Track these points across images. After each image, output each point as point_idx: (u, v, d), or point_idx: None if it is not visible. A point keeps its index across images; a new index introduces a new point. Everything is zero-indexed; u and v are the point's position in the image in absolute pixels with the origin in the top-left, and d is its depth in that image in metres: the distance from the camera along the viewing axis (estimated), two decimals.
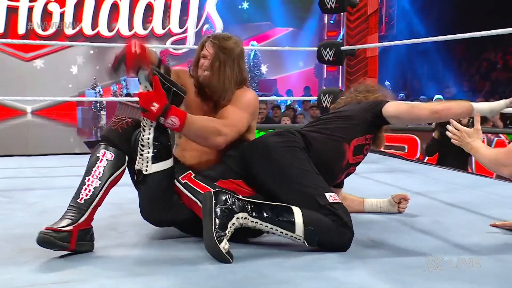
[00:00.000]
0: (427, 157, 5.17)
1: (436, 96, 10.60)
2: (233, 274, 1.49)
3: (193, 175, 1.80)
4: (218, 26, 17.05)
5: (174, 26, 16.36)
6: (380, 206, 2.27)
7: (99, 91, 14.10)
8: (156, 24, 16.03)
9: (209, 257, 1.58)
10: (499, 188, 2.85)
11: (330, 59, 3.95)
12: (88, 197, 1.68)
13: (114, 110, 10.43)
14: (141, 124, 1.73)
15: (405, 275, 1.49)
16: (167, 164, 1.74)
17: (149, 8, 15.89)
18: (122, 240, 1.84)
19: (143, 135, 1.72)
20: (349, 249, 1.70)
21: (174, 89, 1.70)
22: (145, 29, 15.89)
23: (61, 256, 1.62)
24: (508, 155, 1.77)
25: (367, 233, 1.91)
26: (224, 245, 1.58)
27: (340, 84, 3.79)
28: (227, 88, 1.90)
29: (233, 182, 1.83)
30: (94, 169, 1.72)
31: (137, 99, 2.06)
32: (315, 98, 4.11)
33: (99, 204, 1.71)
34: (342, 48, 3.86)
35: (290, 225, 1.65)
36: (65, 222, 1.63)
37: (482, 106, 2.07)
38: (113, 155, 1.74)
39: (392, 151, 5.43)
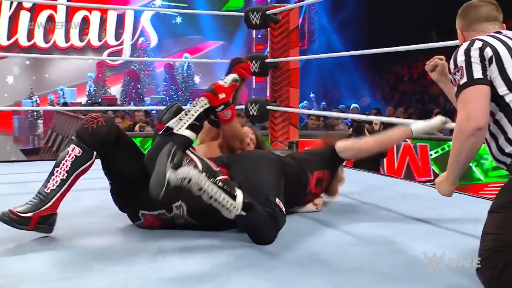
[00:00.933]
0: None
1: (353, 105, 10.99)
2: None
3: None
4: (153, 39, 16.80)
5: (110, 38, 15.93)
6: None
7: (36, 100, 13.46)
8: (93, 37, 15.53)
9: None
10: (403, 187, 2.98)
11: (256, 70, 3.99)
12: (54, 187, 1.78)
13: (51, 119, 9.98)
14: (198, 100, 1.97)
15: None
16: (192, 136, 1.93)
17: (85, 21, 15.37)
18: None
19: (194, 106, 1.95)
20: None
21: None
22: (81, 41, 15.36)
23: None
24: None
25: (292, 230, 1.92)
26: (171, 174, 1.55)
27: (267, 94, 3.85)
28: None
29: (218, 166, 1.93)
30: (62, 162, 1.82)
31: (73, 108, 2.15)
32: (242, 107, 4.12)
33: (64, 194, 1.81)
34: (267, 60, 3.91)
35: (232, 196, 1.66)
36: (28, 208, 1.75)
37: (418, 127, 2.20)
38: (81, 151, 1.83)
39: None
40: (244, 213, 1.67)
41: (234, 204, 1.66)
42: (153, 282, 1.42)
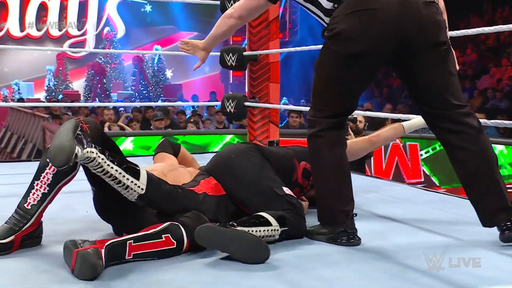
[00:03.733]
0: None
1: None
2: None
3: None
4: (120, 29, 16.66)
5: (71, 28, 15.74)
6: None
7: None
8: (52, 25, 15.32)
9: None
10: (391, 189, 3.04)
11: (233, 64, 4.00)
12: (35, 202, 1.72)
13: (5, 117, 9.83)
14: (96, 161, 1.63)
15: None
16: (144, 175, 1.76)
17: (42, 8, 15.15)
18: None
19: (108, 171, 1.66)
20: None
21: None
22: (39, 30, 15.14)
23: None
24: None
25: None
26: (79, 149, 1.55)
27: (246, 90, 3.86)
28: None
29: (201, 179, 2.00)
30: (43, 174, 1.74)
31: (30, 104, 2.07)
32: (219, 103, 4.13)
33: (45, 208, 1.76)
34: (245, 53, 3.93)
35: (266, 222, 1.78)
36: (6, 230, 1.69)
37: (412, 123, 2.35)
38: None
39: None
40: (282, 229, 1.79)
41: (138, 183, 1.71)
42: None
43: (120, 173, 1.68)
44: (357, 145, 2.40)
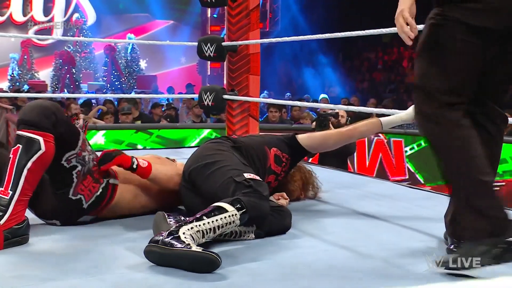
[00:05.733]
0: (310, 158, 5.44)
1: (322, 95, 11.17)
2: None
3: None
4: (90, 16, 16.47)
5: (37, 13, 15.52)
6: None
7: None
8: (15, 10, 15.07)
9: None
10: (374, 186, 3.08)
11: (211, 55, 4.01)
12: (8, 191, 1.75)
13: None
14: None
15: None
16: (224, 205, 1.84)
17: None
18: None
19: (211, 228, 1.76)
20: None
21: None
22: (1, 15, 14.87)
23: None
24: None
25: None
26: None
27: (224, 82, 3.86)
28: None
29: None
30: (11, 158, 1.78)
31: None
32: (196, 96, 4.14)
33: (22, 195, 1.77)
34: (223, 44, 3.94)
35: (221, 209, 1.79)
36: None
37: (391, 120, 2.37)
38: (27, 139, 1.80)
39: None
40: (239, 212, 1.80)
41: (230, 214, 1.78)
42: None
43: (216, 220, 1.75)
44: (330, 138, 2.44)
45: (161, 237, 1.64)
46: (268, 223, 1.92)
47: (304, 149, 2.41)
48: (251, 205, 1.84)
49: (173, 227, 1.70)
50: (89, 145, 2.08)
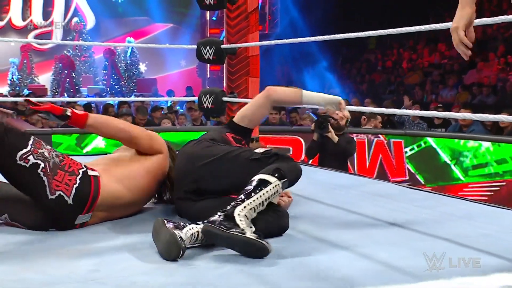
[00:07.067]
0: (310, 160, 5.45)
1: None
2: None
3: None
4: (90, 19, 16.49)
5: (36, 17, 15.53)
6: None
7: None
8: (15, 15, 15.08)
9: None
10: (374, 187, 3.09)
11: (211, 57, 4.02)
12: None
13: None
14: None
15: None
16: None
17: None
18: None
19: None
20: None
21: None
22: (0, 19, 14.88)
23: None
24: None
25: None
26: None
27: (224, 84, 3.88)
28: None
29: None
30: None
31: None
32: (195, 98, 4.15)
33: None
34: (223, 46, 3.95)
35: (265, 182, 1.90)
36: None
37: (312, 95, 2.43)
38: None
39: None
40: (281, 181, 1.91)
41: (275, 184, 1.90)
42: None
43: (264, 193, 1.88)
44: (259, 106, 2.47)
45: (218, 219, 1.78)
46: (264, 224, 1.93)
47: (244, 128, 2.47)
48: (289, 169, 1.97)
49: (228, 208, 1.82)
50: (47, 144, 2.05)
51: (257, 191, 1.87)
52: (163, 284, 1.53)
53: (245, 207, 1.83)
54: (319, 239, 2.01)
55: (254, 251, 1.73)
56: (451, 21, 1.65)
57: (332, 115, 2.42)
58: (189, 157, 2.21)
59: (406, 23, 2.21)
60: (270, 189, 1.89)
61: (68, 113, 2.10)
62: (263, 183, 1.89)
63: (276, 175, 1.92)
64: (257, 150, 2.09)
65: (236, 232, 1.74)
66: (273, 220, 1.99)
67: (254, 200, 1.85)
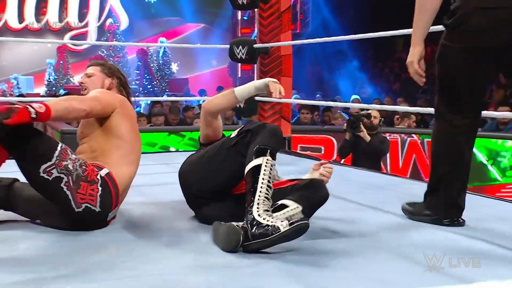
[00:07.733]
0: (342, 159, 5.41)
1: (354, 96, 11.08)
2: None
3: None
4: (123, 20, 16.71)
5: (72, 19, 15.81)
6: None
7: None
8: (52, 17, 15.40)
9: None
10: (408, 187, 3.04)
11: (243, 57, 4.03)
12: None
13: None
14: None
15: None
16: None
17: None
18: None
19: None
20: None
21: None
22: (38, 21, 15.21)
23: None
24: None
25: None
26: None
27: None
28: None
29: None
30: None
31: (31, 99, 2.13)
32: None
33: None
34: (255, 46, 3.95)
35: (256, 168, 1.89)
36: None
37: (244, 88, 2.35)
38: None
39: (308, 152, 5.62)
40: (267, 153, 1.91)
41: (263, 160, 1.91)
42: None
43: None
44: (205, 125, 2.51)
45: (247, 231, 1.77)
46: (307, 200, 2.01)
47: (215, 141, 2.43)
48: (267, 139, 1.94)
49: (247, 216, 1.81)
50: (72, 153, 2.01)
51: (256, 180, 1.86)
52: (196, 283, 1.54)
53: (258, 204, 1.82)
54: (356, 239, 1.99)
55: (294, 236, 1.74)
56: None
57: (270, 97, 2.32)
58: (183, 172, 2.26)
59: (438, 22, 2.18)
60: (264, 170, 1.87)
61: (34, 116, 1.82)
62: (255, 171, 1.87)
63: (259, 154, 1.90)
64: (232, 135, 2.10)
65: (272, 235, 1.74)
66: (313, 194, 2.05)
67: (260, 192, 1.84)
